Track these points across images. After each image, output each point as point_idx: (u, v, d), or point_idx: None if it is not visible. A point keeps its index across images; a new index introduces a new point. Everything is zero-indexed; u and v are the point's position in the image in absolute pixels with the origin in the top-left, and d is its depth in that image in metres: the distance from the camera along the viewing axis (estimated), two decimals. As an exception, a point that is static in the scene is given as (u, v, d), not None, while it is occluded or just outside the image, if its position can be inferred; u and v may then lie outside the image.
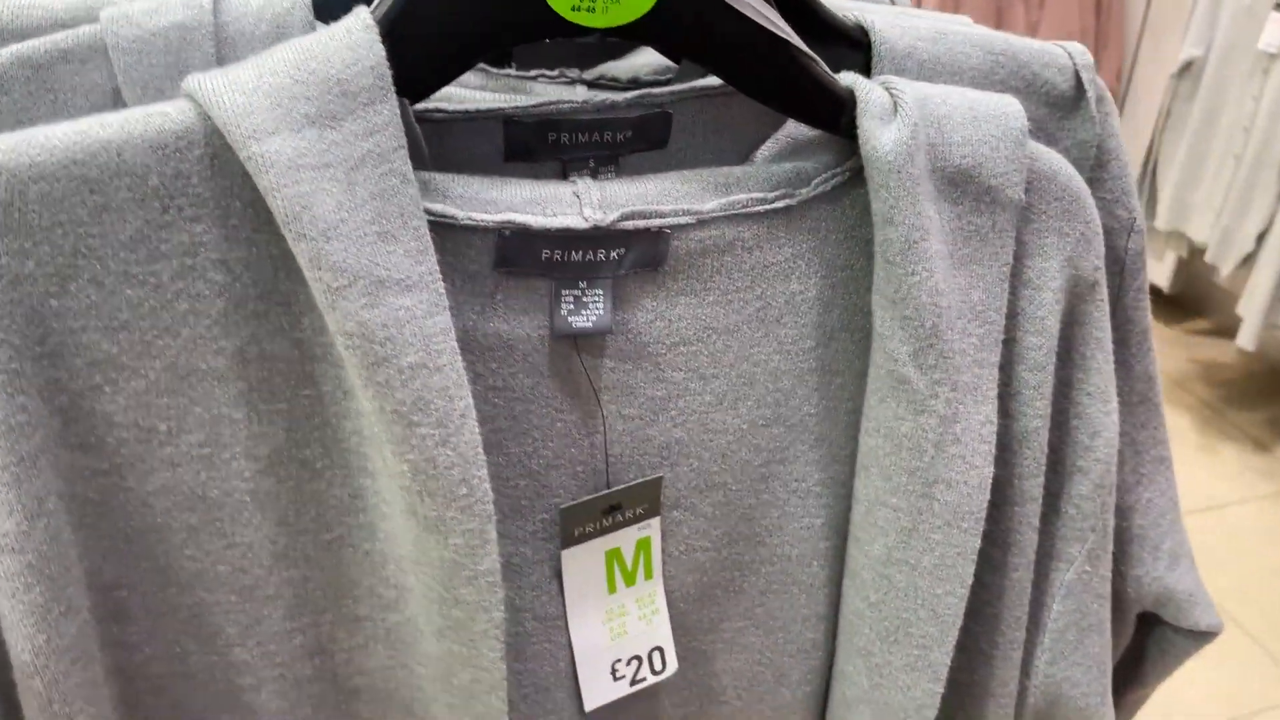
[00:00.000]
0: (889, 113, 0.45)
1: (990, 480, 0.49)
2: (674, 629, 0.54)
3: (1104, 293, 0.51)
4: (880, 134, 0.44)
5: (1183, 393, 2.77)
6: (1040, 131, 0.52)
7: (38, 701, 0.40)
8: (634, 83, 0.54)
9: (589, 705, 0.51)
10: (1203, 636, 0.62)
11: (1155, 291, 3.05)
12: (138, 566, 0.43)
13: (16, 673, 0.40)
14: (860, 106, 0.45)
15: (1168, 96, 2.54)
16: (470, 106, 0.47)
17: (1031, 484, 0.52)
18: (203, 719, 0.47)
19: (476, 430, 0.41)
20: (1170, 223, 2.58)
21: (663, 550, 0.52)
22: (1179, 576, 0.60)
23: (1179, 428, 2.59)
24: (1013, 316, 0.50)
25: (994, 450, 0.49)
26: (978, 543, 0.50)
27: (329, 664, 0.48)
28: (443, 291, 0.40)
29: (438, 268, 0.40)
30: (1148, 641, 0.65)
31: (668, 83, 0.53)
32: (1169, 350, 3.00)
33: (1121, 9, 2.90)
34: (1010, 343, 0.50)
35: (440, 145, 0.47)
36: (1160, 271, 2.91)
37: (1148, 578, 0.60)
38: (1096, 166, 0.53)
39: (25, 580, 0.38)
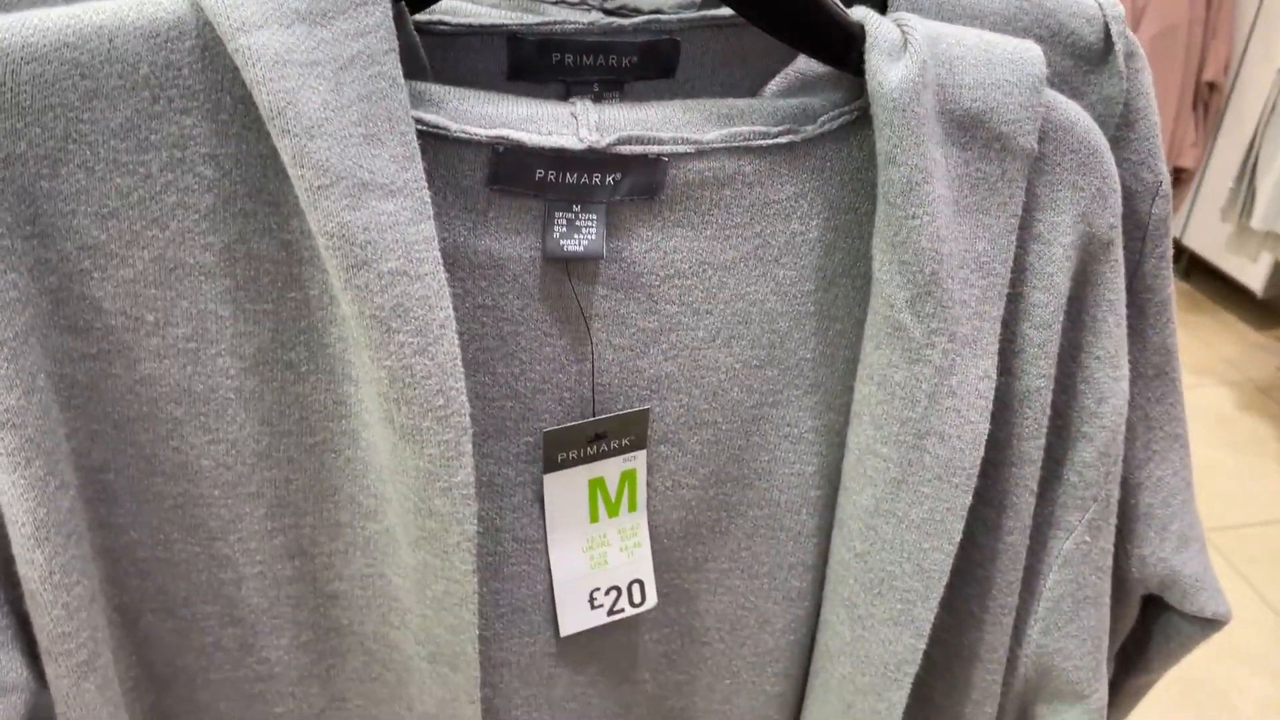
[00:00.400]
0: (898, 49, 0.44)
1: (985, 437, 0.48)
2: (657, 565, 0.54)
3: (1119, 254, 0.49)
4: (887, 70, 0.43)
5: (1268, 401, 2.68)
6: (1064, 84, 0.50)
7: (39, 574, 0.41)
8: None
9: (565, 630, 0.52)
10: (1209, 624, 0.60)
11: (1247, 295, 2.95)
12: (124, 452, 0.44)
13: (17, 548, 0.41)
14: (869, 41, 0.44)
15: (1273, 92, 2.44)
16: (474, 21, 0.47)
17: (1031, 445, 0.51)
18: (185, 606, 0.48)
19: (455, 342, 0.41)
20: (1266, 222, 2.49)
21: (648, 484, 0.52)
22: (1186, 560, 0.59)
23: (1263, 437, 2.51)
24: (1020, 271, 0.49)
25: (990, 406, 0.48)
26: (968, 500, 0.49)
27: (309, 566, 0.49)
28: (428, 200, 0.40)
29: (424, 175, 0.40)
30: (1153, 627, 0.63)
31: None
32: (1258, 356, 2.90)
33: (1233, 1, 2.79)
34: (1016, 298, 0.49)
35: (443, 59, 0.47)
36: (1254, 274, 2.81)
37: (1153, 558, 0.58)
38: (1123, 125, 0.51)
39: (26, 454, 0.40)
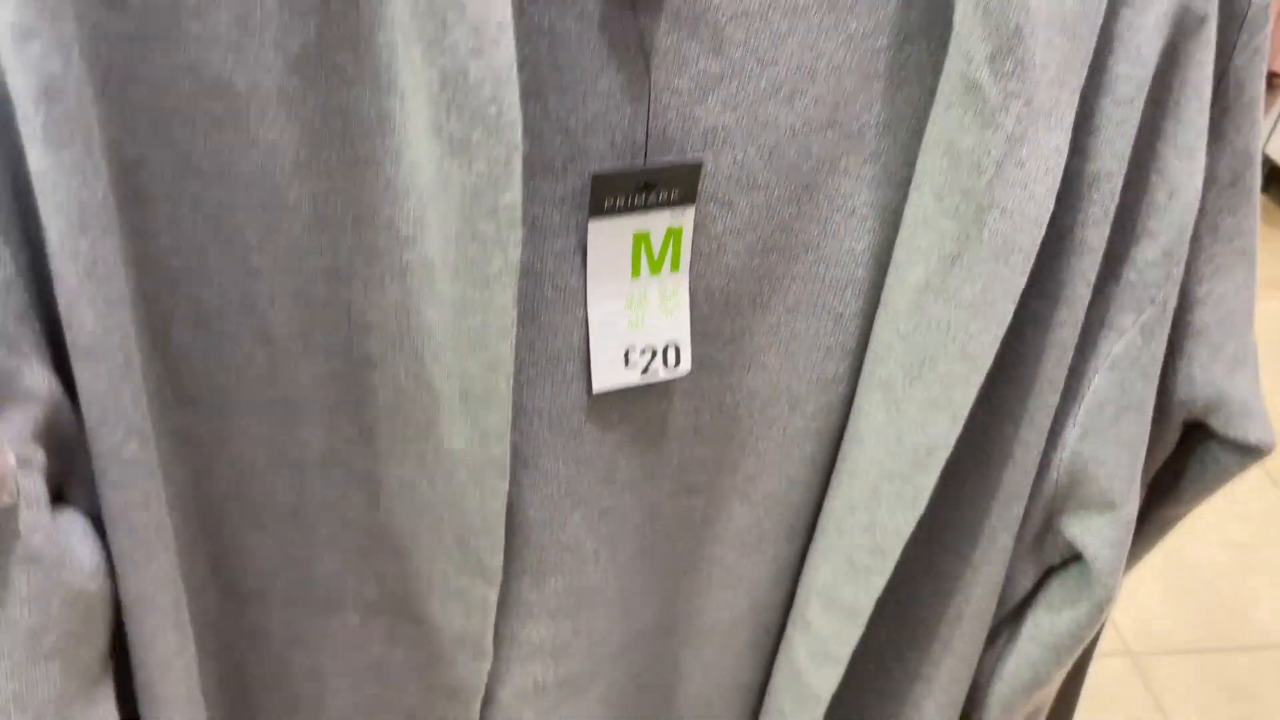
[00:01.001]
0: None
1: (1048, 216, 0.46)
2: (693, 333, 0.53)
3: (1212, 33, 0.47)
4: None
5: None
6: None
7: (82, 265, 0.41)
8: None
9: (598, 385, 0.51)
10: (1250, 452, 0.58)
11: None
12: (159, 149, 0.43)
13: (57, 235, 0.40)
14: None
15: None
16: None
17: (1094, 234, 0.49)
18: (217, 319, 0.48)
19: (512, 48, 0.39)
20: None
21: (693, 245, 0.50)
22: (1237, 384, 0.57)
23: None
24: (1106, 40, 0.46)
25: (1058, 184, 0.46)
26: (1022, 283, 0.47)
27: (344, 292, 0.48)
28: None
29: None
30: (1190, 457, 0.62)
31: None
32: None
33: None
34: (1098, 70, 0.47)
35: None
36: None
37: (1202, 378, 0.57)
38: (1235, -107, 0.47)
39: (69, 129, 0.39)
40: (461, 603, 0.55)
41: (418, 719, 0.61)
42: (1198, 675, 1.76)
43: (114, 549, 0.46)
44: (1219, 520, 2.00)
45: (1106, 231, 0.49)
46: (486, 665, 0.56)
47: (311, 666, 0.59)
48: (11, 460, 0.42)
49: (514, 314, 0.45)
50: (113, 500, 0.46)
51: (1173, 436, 0.60)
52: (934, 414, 0.50)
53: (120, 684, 0.50)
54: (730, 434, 0.56)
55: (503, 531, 0.52)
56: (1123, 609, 1.82)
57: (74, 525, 0.46)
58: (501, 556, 0.53)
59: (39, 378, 0.43)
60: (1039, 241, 0.47)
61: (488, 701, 0.58)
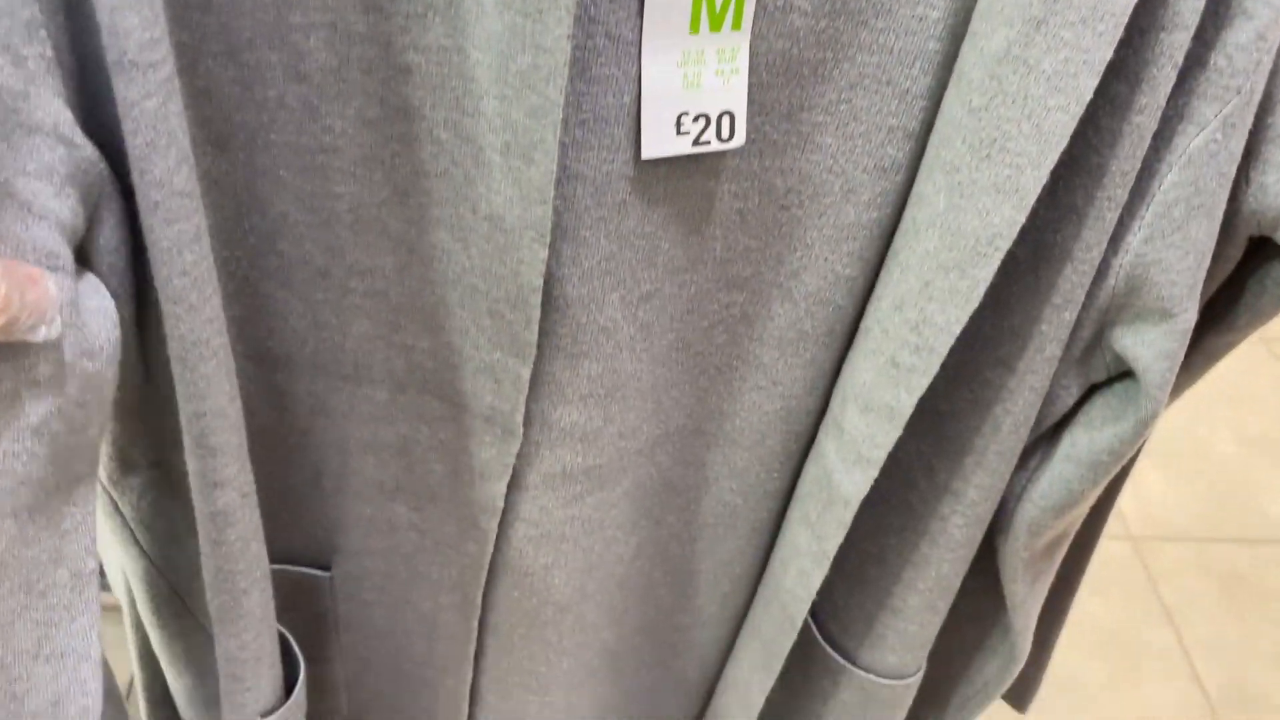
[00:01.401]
0: None
1: None
2: (749, 104, 0.50)
3: None
4: None
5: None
6: None
7: None
8: None
9: (647, 152, 0.48)
10: (1315, 271, 0.56)
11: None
12: None
13: None
14: None
15: None
16: None
17: (1188, 8, 0.46)
18: (249, 50, 0.45)
19: None
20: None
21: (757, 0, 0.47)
22: (1313, 195, 0.54)
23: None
24: None
25: None
26: (1108, 55, 0.44)
27: (383, 26, 0.45)
28: None
29: None
30: (1250, 278, 0.60)
31: None
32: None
33: None
34: None
35: None
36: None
37: (1276, 188, 0.54)
38: None
39: None
40: (492, 378, 0.53)
41: (440, 500, 0.60)
42: (1198, 564, 1.77)
43: (166, 293, 0.43)
44: (1231, 411, 1.99)
45: (1201, 5, 0.46)
46: (515, 445, 0.55)
47: (335, 438, 0.58)
48: (53, 291, 0.39)
49: (568, 52, 0.42)
50: (163, 237, 0.42)
51: (1236, 251, 0.57)
52: (999, 199, 0.48)
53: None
54: (778, 222, 0.54)
55: (539, 305, 0.50)
56: (1127, 493, 1.82)
57: (88, 297, 0.43)
58: (536, 331, 0.51)
59: (49, 107, 0.40)
60: (1131, 8, 0.43)
61: (514, 485, 0.57)
